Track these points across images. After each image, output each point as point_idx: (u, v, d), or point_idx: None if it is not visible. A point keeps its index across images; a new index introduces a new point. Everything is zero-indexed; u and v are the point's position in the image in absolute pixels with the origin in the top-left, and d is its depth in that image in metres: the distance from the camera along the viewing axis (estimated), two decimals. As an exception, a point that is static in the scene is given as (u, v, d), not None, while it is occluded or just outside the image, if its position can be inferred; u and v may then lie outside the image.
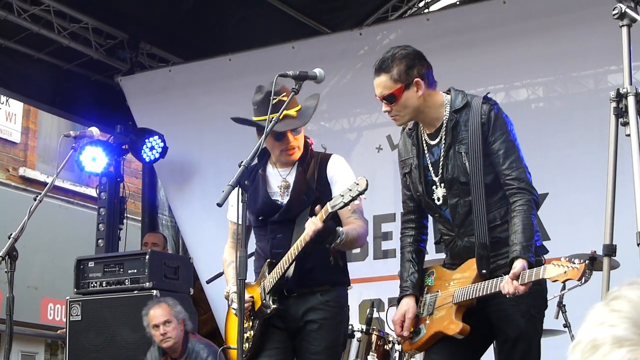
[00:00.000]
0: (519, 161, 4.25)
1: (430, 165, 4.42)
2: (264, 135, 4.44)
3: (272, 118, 4.51)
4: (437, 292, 4.46)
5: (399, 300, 4.55)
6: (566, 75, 8.20)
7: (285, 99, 4.72)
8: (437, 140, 4.38)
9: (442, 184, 4.37)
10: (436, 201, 4.41)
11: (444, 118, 4.35)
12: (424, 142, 4.45)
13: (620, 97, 3.97)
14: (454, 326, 4.31)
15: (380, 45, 9.09)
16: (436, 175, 4.39)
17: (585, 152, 7.48)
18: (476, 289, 4.23)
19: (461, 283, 4.35)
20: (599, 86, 8.00)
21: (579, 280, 3.96)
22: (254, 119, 4.92)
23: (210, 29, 9.82)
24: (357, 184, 4.44)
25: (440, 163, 4.36)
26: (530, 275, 4.00)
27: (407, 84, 4.27)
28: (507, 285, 4.02)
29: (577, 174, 7.22)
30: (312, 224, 4.54)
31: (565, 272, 3.91)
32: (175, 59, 10.38)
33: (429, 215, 4.66)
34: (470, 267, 4.34)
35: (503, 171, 4.21)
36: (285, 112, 4.70)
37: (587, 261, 3.92)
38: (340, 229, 4.71)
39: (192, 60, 10.06)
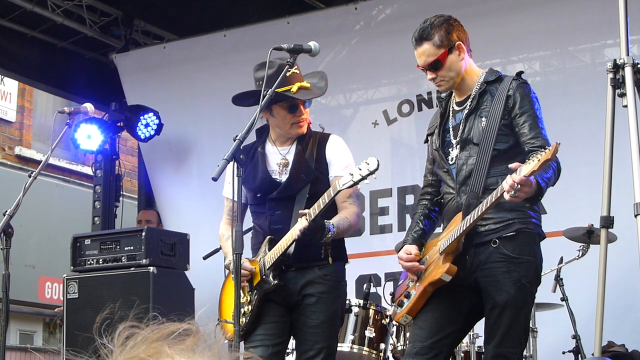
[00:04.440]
0: (542, 134, 4.35)
1: (451, 129, 4.56)
2: (254, 115, 4.42)
3: (274, 91, 4.53)
4: (426, 257, 4.52)
5: (398, 250, 4.63)
6: (563, 49, 8.18)
7: (297, 71, 4.79)
8: (463, 107, 4.52)
9: (458, 146, 4.48)
10: (450, 161, 4.50)
11: (475, 88, 4.48)
12: (451, 108, 4.59)
13: (617, 68, 3.96)
14: (440, 270, 4.34)
15: (376, 21, 9.06)
16: (454, 138, 4.51)
17: (582, 126, 7.46)
18: (461, 226, 4.29)
19: (446, 236, 4.40)
20: (596, 60, 7.97)
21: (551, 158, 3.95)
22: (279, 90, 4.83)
23: (204, 4, 9.76)
24: (368, 164, 4.49)
25: (460, 126, 4.48)
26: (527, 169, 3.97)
27: (450, 47, 4.40)
28: (505, 183, 4.01)
29: (574, 148, 7.21)
30: (299, 223, 4.63)
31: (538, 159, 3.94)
32: (169, 36, 10.33)
33: None
34: (456, 221, 4.39)
35: (528, 140, 4.30)
36: (299, 84, 4.75)
37: (558, 143, 3.93)
38: (330, 223, 4.73)
39: (186, 36, 10.02)
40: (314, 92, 4.88)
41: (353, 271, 7.88)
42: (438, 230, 4.77)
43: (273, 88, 4.53)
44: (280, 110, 4.90)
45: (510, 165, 4.02)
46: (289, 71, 4.68)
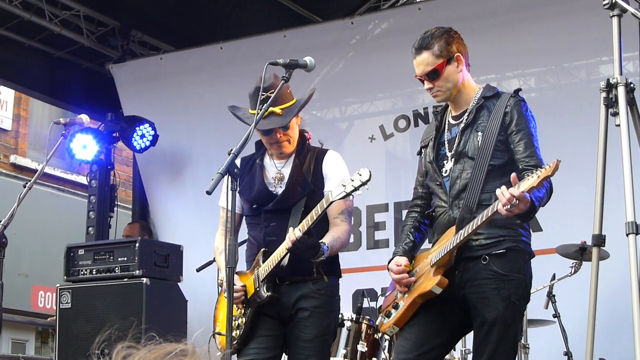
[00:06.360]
0: (536, 154, 4.37)
1: (446, 142, 4.56)
2: (248, 131, 4.43)
3: (258, 114, 4.56)
4: (416, 269, 4.52)
5: (389, 263, 4.60)
6: (558, 65, 8.21)
7: (271, 95, 4.74)
8: (459, 121, 4.53)
9: (452, 158, 4.49)
10: (443, 173, 4.51)
11: (472, 102, 4.49)
12: (447, 122, 4.61)
13: (610, 87, 3.97)
14: (431, 282, 4.34)
15: (372, 35, 9.09)
16: (449, 151, 4.52)
17: (577, 143, 7.47)
18: (454, 240, 4.29)
19: (438, 249, 4.39)
20: (591, 77, 8.00)
21: (551, 175, 3.98)
22: (250, 111, 4.93)
23: (201, 17, 9.79)
24: (360, 175, 4.49)
25: (456, 139, 4.50)
26: (525, 184, 3.99)
27: (448, 58, 4.43)
28: (501, 196, 4.02)
29: (568, 165, 7.20)
30: (291, 234, 4.63)
31: (538, 175, 3.97)
32: (166, 47, 10.35)
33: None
34: (448, 235, 4.39)
35: (522, 158, 4.33)
36: (271, 109, 4.73)
37: (559, 160, 3.94)
38: (325, 244, 4.75)
39: (183, 48, 10.03)
40: (278, 121, 4.86)
41: (349, 286, 7.89)
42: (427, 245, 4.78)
43: (256, 119, 4.55)
44: (259, 132, 4.96)
45: (497, 191, 4.04)
46: (263, 95, 4.70)
